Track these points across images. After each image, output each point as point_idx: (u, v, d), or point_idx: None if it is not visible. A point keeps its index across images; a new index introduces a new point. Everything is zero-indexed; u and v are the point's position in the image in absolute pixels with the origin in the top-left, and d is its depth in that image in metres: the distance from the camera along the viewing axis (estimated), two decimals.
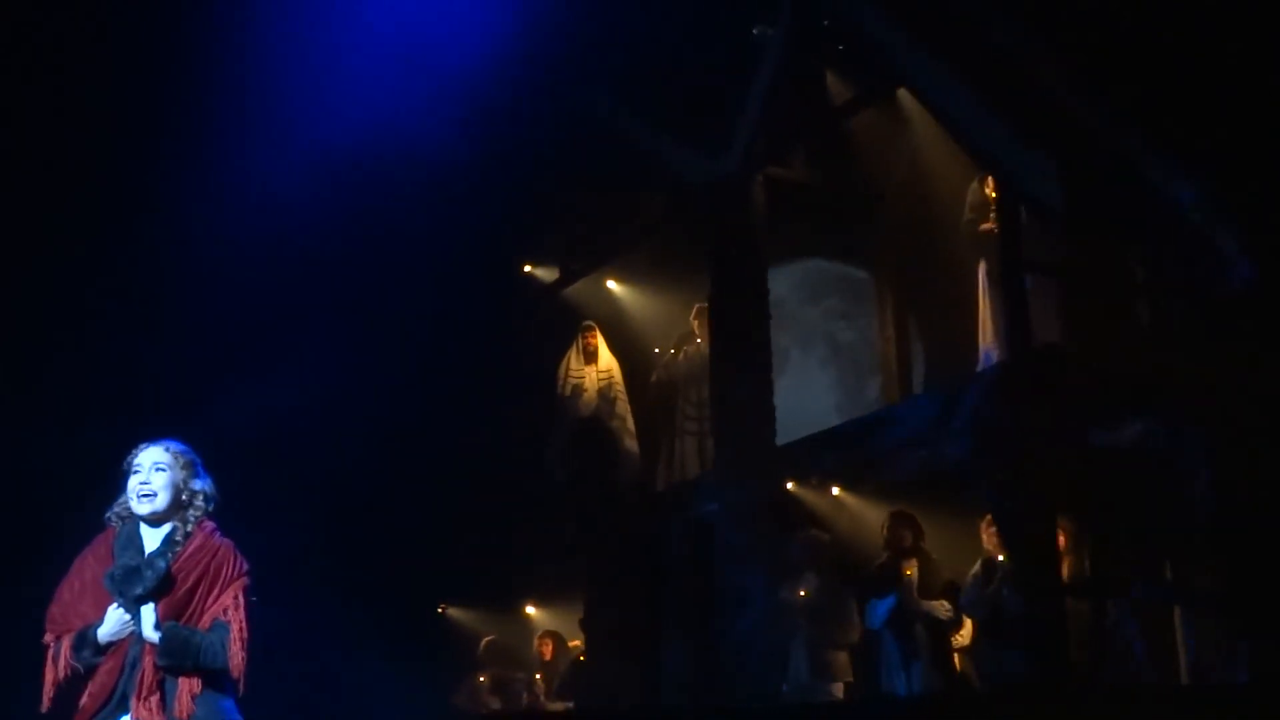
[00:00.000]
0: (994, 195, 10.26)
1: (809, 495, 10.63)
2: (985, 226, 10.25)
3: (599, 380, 12.93)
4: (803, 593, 10.09)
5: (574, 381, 12.99)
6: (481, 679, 13.16)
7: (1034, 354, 8.73)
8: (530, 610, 14.07)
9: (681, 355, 12.44)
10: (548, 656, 12.98)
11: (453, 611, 13.92)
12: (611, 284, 13.55)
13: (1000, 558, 9.06)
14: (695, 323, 12.49)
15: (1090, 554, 8.57)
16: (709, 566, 10.94)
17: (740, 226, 11.20)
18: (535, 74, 11.58)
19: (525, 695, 13.05)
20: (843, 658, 9.98)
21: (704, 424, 12.13)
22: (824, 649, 9.94)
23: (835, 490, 10.71)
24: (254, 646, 5.20)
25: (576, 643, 13.19)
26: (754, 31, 11.52)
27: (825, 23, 10.61)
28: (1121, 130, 9.06)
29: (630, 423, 12.88)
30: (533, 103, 11.86)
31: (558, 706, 12.77)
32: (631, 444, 12.84)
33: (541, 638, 13.13)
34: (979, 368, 10.05)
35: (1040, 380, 8.63)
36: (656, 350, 12.59)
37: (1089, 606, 8.42)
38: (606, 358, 13.05)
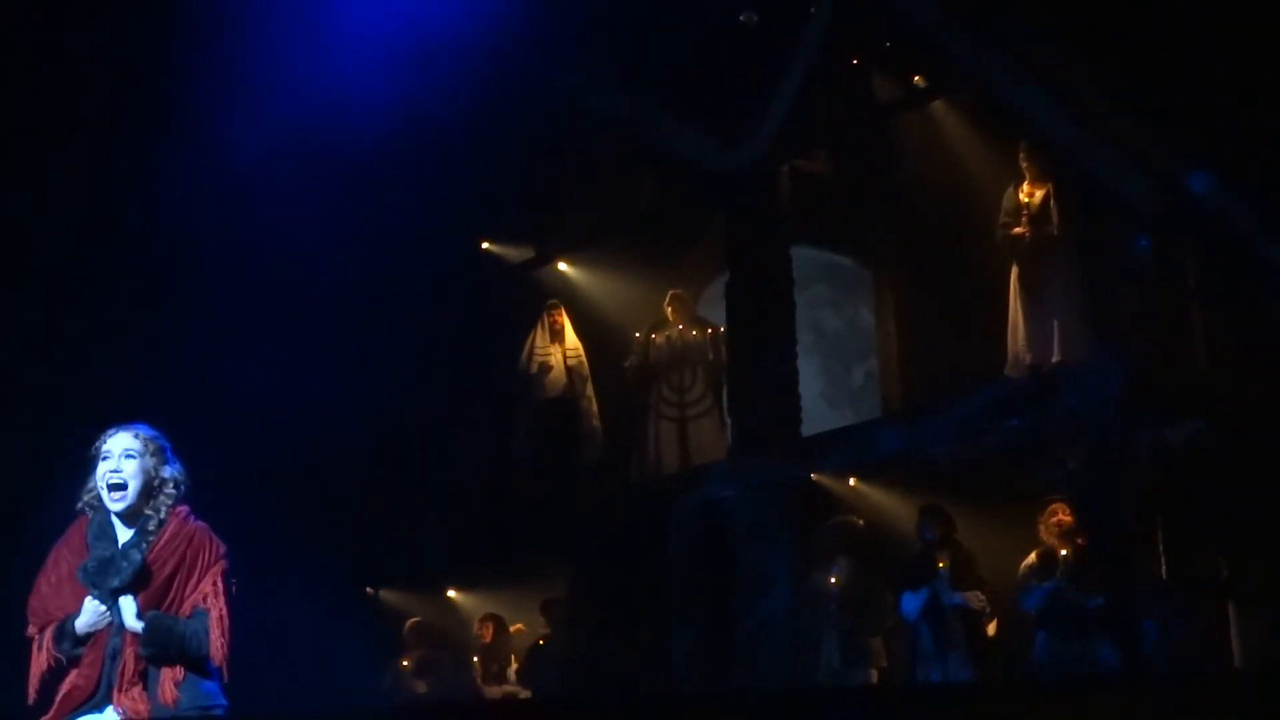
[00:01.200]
0: (1026, 200, 10.60)
1: (832, 484, 10.71)
2: (1017, 231, 10.53)
3: (567, 358, 12.77)
4: (833, 579, 10.16)
5: (540, 359, 12.79)
6: (404, 662, 12.77)
7: (1127, 354, 9.05)
8: (452, 594, 13.73)
9: (663, 339, 12.36)
10: (487, 639, 12.70)
11: (385, 594, 13.46)
12: (564, 266, 13.38)
13: (1063, 551, 9.33)
14: (669, 309, 12.46)
15: (1165, 548, 8.93)
16: (716, 552, 10.89)
17: (763, 214, 11.23)
18: (534, 57, 11.40)
19: (458, 676, 12.71)
20: (877, 644, 10.07)
21: (685, 409, 12.12)
22: (857, 635, 10.03)
23: (851, 480, 10.82)
24: (236, 630, 5.10)
25: (519, 626, 12.94)
26: (740, 18, 11.57)
27: (870, 20, 10.71)
28: (1171, 141, 9.48)
29: (595, 405, 12.75)
30: (522, 84, 11.66)
31: (495, 691, 12.53)
32: (596, 424, 12.72)
33: (482, 620, 12.82)
34: (1009, 370, 10.35)
35: (1130, 380, 8.96)
36: (637, 335, 12.46)
37: (1171, 599, 8.77)
38: (573, 337, 12.89)
